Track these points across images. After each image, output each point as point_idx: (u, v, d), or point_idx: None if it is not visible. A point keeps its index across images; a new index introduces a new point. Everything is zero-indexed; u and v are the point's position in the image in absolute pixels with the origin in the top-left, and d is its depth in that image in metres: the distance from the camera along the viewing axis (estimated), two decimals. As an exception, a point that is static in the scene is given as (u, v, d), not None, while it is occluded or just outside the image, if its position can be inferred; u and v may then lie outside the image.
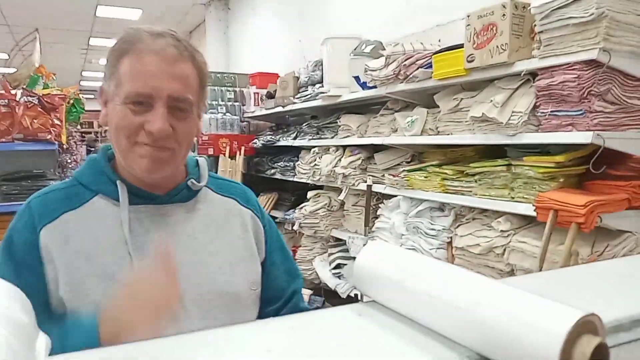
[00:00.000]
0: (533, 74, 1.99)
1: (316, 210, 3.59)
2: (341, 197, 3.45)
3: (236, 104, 5.29)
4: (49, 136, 3.65)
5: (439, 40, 2.92)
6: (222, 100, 5.24)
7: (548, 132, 1.90)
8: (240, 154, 4.91)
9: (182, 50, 0.96)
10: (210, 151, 4.87)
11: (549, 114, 1.90)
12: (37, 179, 3.66)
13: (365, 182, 3.12)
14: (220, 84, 5.31)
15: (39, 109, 3.64)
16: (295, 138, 4.19)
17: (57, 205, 0.98)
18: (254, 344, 0.56)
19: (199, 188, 1.08)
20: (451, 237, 2.42)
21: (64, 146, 4.31)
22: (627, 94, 1.79)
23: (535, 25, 1.90)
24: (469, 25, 2.16)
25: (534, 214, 1.88)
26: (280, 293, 1.15)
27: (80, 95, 5.36)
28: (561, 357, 0.41)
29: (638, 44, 1.75)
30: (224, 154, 4.91)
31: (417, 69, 2.53)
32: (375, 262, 0.64)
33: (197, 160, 1.13)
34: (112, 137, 0.98)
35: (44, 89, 4.26)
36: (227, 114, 5.19)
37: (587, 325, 0.44)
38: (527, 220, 2.11)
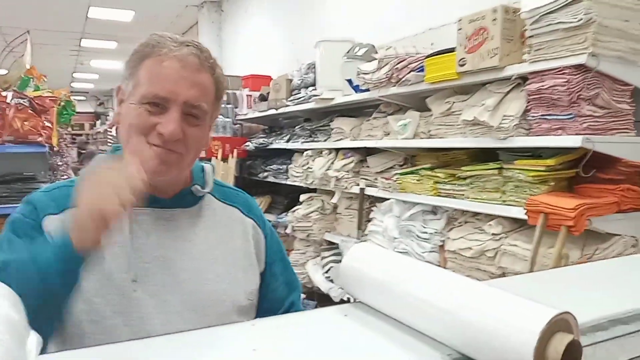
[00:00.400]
0: (524, 78, 2.01)
1: (309, 213, 3.59)
2: (334, 200, 3.45)
3: (229, 106, 5.26)
4: (40, 138, 3.63)
5: (432, 44, 2.93)
6: (215, 103, 5.21)
7: (539, 136, 1.92)
8: (232, 157, 4.89)
9: (204, 60, 0.98)
10: (202, 154, 4.85)
11: (540, 118, 1.91)
12: (28, 182, 3.64)
13: (358, 185, 3.13)
14: (213, 86, 5.29)
15: (30, 111, 3.62)
16: (288, 141, 4.19)
17: (62, 202, 0.97)
18: (239, 344, 0.56)
19: (202, 194, 1.08)
20: (443, 241, 2.43)
21: (55, 148, 4.28)
22: (615, 98, 1.81)
23: (525, 29, 1.92)
24: (460, 29, 2.18)
25: (525, 217, 1.89)
26: (278, 305, 1.15)
27: (72, 97, 5.33)
28: (535, 353, 0.42)
29: (625, 49, 1.78)
30: (216, 157, 4.89)
31: (410, 72, 2.55)
32: (361, 263, 0.65)
33: (203, 167, 1.13)
34: (124, 135, 0.98)
35: (34, 90, 4.24)
36: (220, 116, 5.17)
37: (561, 324, 0.45)
38: (518, 224, 2.12)
